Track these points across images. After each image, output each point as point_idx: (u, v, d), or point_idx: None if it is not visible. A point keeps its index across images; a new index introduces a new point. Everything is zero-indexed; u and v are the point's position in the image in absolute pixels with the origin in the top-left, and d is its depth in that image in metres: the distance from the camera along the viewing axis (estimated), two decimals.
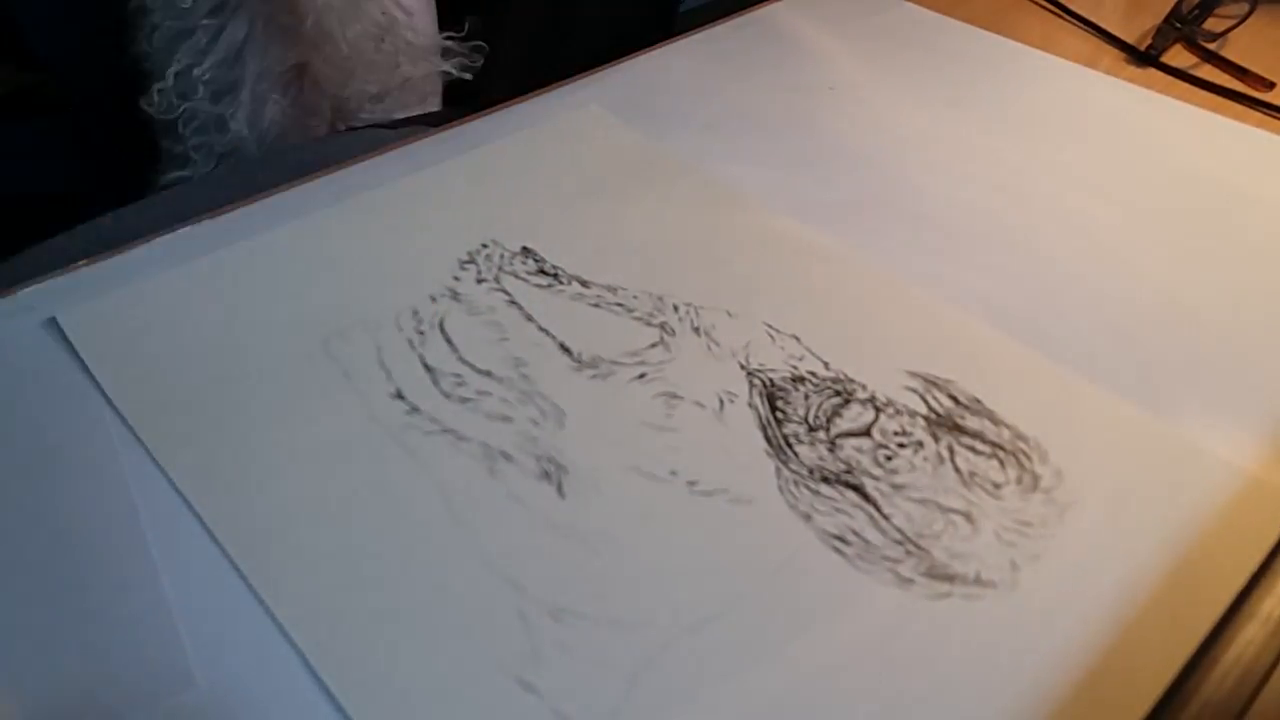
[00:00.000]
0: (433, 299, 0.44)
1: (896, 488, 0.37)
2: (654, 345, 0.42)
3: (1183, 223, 0.52)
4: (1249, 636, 0.33)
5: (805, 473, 0.37)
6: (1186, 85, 0.64)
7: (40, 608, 0.32)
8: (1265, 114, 0.61)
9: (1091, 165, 0.56)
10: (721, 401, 0.40)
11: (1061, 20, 0.72)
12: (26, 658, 0.31)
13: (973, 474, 0.37)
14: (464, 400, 0.40)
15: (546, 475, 0.37)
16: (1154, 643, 0.33)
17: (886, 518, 0.36)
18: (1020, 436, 0.39)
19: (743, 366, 0.42)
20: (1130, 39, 0.69)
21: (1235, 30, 0.69)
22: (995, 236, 0.50)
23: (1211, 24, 0.69)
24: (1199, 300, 0.47)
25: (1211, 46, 0.68)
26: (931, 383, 0.41)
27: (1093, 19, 0.71)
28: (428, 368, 0.41)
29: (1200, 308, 0.46)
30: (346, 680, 0.31)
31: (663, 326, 0.43)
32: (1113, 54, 0.68)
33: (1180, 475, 0.38)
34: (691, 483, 0.37)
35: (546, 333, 0.43)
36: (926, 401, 0.40)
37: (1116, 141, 0.58)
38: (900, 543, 0.35)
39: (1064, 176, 0.55)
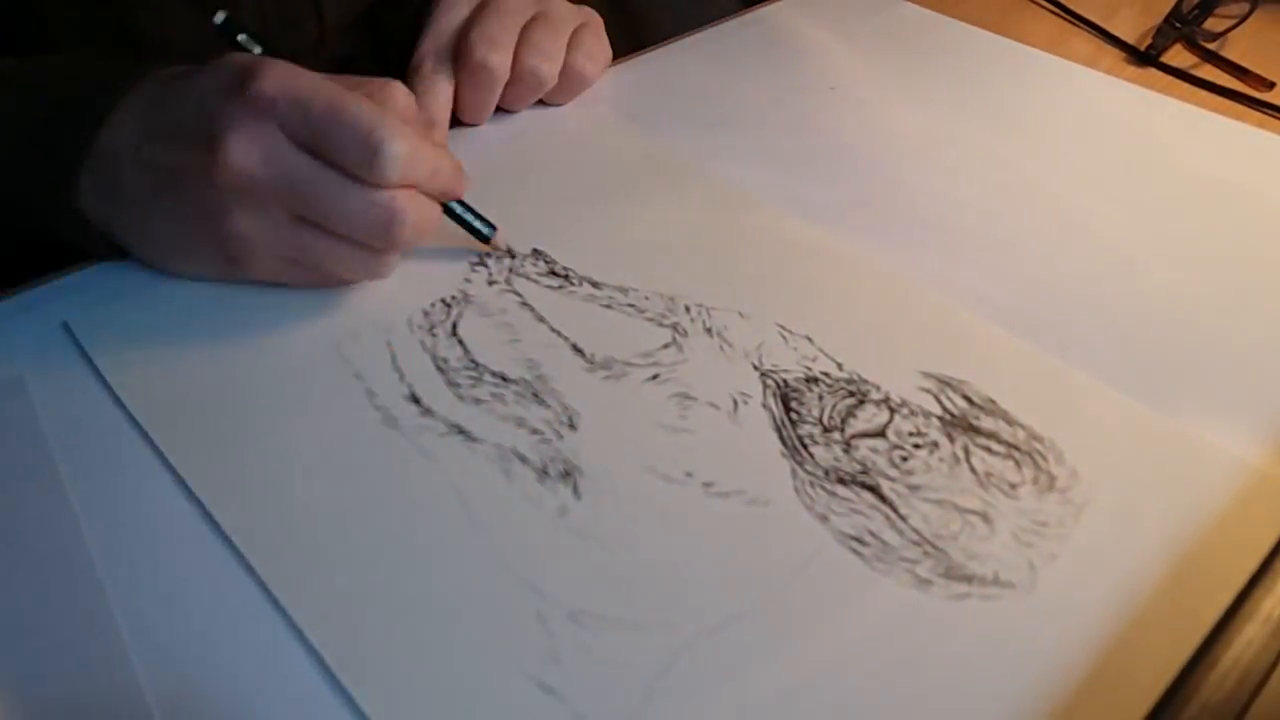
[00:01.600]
0: (445, 301, 0.44)
1: (912, 489, 0.36)
2: (666, 346, 0.42)
3: (1183, 222, 0.51)
4: (1249, 636, 0.32)
5: (821, 474, 0.37)
6: (1186, 85, 0.64)
7: (45, 608, 0.32)
8: (1265, 114, 0.61)
9: (1092, 165, 0.55)
10: (735, 403, 0.39)
11: (1061, 20, 0.72)
12: (25, 655, 0.31)
13: (989, 474, 0.37)
14: (477, 402, 0.39)
15: (561, 477, 0.36)
16: (1154, 643, 0.32)
17: (903, 519, 0.35)
18: (1035, 437, 0.38)
19: (756, 367, 0.41)
20: (1130, 39, 0.69)
21: (1235, 30, 0.69)
22: (994, 236, 0.50)
23: (1211, 24, 0.69)
24: (1200, 299, 0.46)
25: (1211, 46, 0.68)
26: (945, 383, 0.41)
27: (1093, 19, 0.71)
28: (441, 369, 0.40)
29: (1201, 306, 0.46)
30: (364, 683, 0.30)
31: (675, 327, 0.43)
32: (1113, 54, 0.68)
33: (1194, 474, 0.38)
34: (707, 484, 0.36)
35: (559, 334, 0.42)
36: (941, 402, 0.40)
37: (1116, 141, 0.58)
38: (918, 544, 0.35)
39: (1064, 176, 0.54)
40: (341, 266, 0.41)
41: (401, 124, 0.39)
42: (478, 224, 0.45)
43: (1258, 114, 0.61)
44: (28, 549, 0.34)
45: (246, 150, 0.38)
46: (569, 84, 0.56)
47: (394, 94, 0.41)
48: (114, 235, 0.42)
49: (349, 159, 0.38)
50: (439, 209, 0.43)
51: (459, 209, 0.45)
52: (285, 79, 0.38)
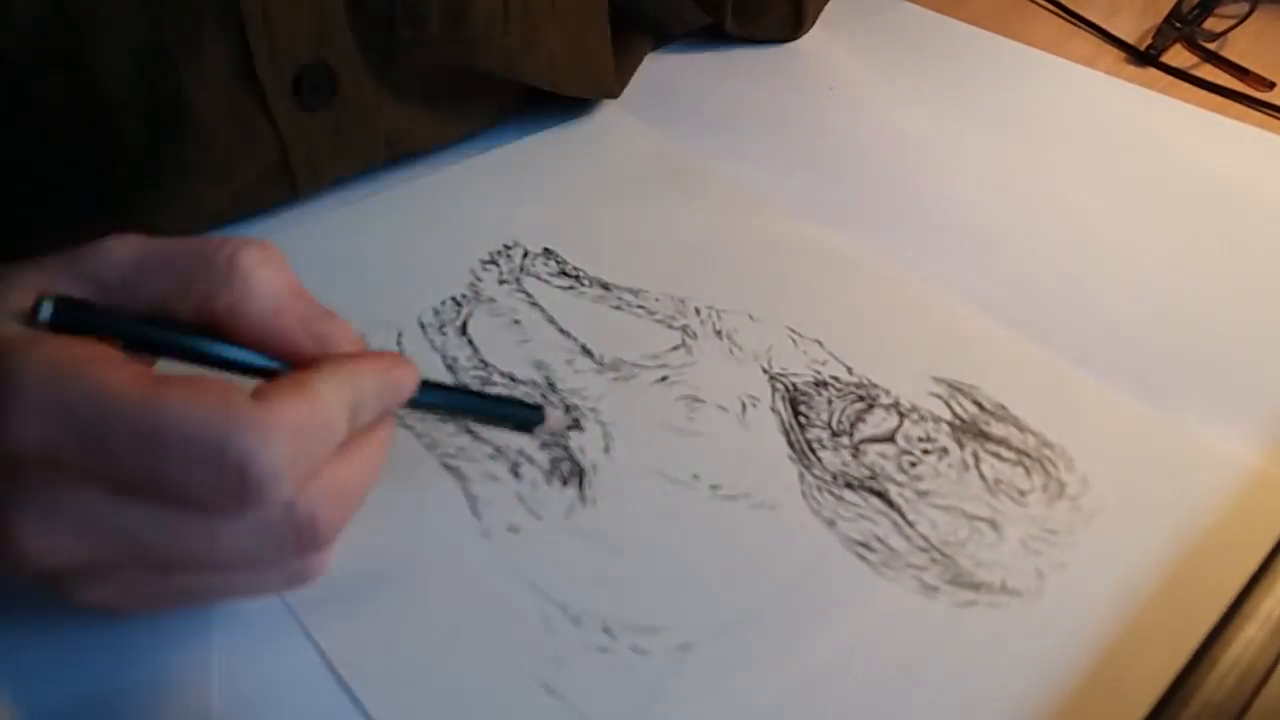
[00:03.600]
0: (455, 299, 0.42)
1: (921, 494, 0.35)
2: (676, 348, 0.40)
3: (1183, 222, 0.50)
4: (1249, 636, 0.31)
5: (829, 478, 0.35)
6: (1186, 85, 0.63)
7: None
8: (1265, 114, 0.60)
9: (1092, 165, 0.54)
10: (744, 405, 0.38)
11: (1061, 20, 0.70)
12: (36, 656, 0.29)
13: (998, 481, 0.36)
14: None
15: (568, 478, 0.35)
16: (1154, 643, 0.31)
17: (911, 525, 0.34)
18: (1046, 443, 0.37)
19: (765, 370, 0.40)
20: (1130, 39, 0.67)
21: (1235, 30, 0.67)
22: (994, 236, 0.48)
23: (1211, 24, 0.67)
24: (1200, 300, 0.45)
25: (1211, 46, 0.66)
26: (955, 388, 0.39)
27: (1093, 19, 0.69)
28: (450, 368, 0.39)
29: (1201, 307, 0.45)
30: (369, 682, 0.29)
31: (684, 330, 0.41)
32: (1113, 54, 0.66)
33: (1196, 476, 0.36)
34: (714, 487, 0.35)
35: (568, 335, 0.41)
36: (950, 407, 0.38)
37: (1116, 141, 0.56)
38: (925, 550, 0.33)
39: (1064, 176, 0.53)
40: (245, 593, 0.29)
41: (270, 410, 0.24)
42: (511, 410, 0.33)
43: (1258, 114, 0.60)
44: None
45: (42, 535, 0.24)
46: None
47: (251, 289, 0.26)
48: None
49: (206, 501, 0.24)
50: (365, 467, 0.28)
51: (435, 397, 0.30)
52: (50, 396, 0.23)
